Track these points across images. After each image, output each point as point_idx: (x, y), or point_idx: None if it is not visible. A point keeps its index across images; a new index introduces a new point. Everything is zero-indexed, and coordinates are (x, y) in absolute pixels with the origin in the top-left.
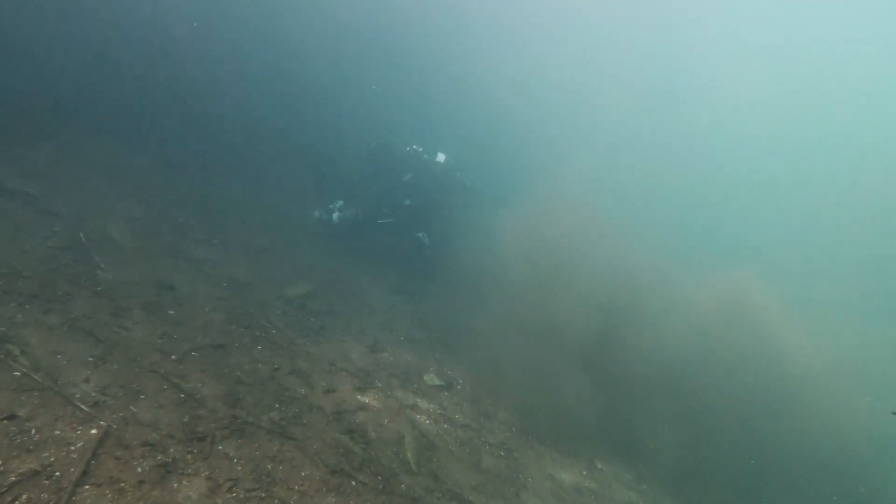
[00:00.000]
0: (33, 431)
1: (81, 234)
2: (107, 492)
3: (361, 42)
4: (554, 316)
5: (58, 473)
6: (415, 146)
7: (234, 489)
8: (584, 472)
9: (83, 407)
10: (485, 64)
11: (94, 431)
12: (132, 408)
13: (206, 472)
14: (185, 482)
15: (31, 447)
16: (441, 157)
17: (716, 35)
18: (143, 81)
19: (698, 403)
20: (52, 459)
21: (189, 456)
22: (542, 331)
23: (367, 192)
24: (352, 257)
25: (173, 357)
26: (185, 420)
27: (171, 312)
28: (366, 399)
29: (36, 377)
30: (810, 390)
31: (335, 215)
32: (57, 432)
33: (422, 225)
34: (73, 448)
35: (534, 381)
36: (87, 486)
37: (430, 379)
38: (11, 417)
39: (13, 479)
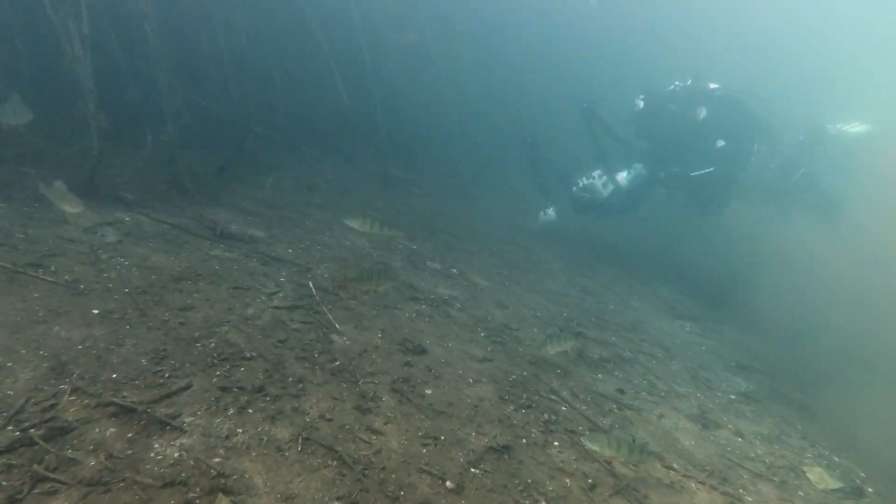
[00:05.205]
0: None
1: (311, 284)
2: None
3: None
4: None
5: None
6: (678, 82)
7: None
8: None
9: None
10: None
11: None
12: None
13: None
14: None
15: None
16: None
17: None
18: (354, 99)
19: None
20: None
21: None
22: None
23: (629, 152)
24: (605, 267)
25: (448, 485)
26: None
27: (429, 392)
28: None
29: None
30: None
31: (601, 184)
32: None
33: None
34: None
35: None
36: None
37: (820, 478)
38: None
39: None
